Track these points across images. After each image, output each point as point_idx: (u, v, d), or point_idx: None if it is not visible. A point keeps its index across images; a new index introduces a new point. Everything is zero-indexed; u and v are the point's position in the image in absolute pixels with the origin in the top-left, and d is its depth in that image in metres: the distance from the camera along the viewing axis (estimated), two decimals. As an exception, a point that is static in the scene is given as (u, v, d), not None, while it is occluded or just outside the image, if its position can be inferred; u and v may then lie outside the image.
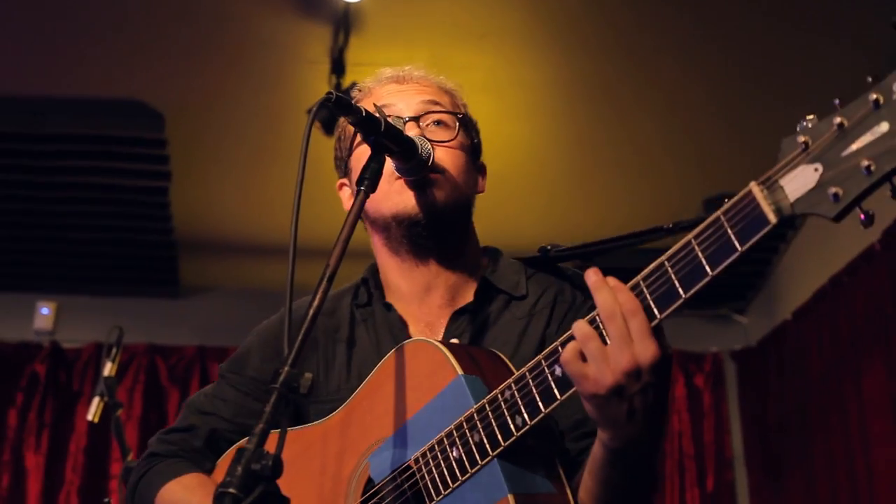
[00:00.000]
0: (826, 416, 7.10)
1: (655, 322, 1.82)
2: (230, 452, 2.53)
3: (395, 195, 2.44)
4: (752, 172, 5.84)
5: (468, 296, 2.46)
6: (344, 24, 6.01)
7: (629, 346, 1.82)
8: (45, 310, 8.48)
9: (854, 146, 1.58)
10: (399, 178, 2.42)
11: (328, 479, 2.37)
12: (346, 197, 2.64)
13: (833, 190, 1.58)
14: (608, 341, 1.84)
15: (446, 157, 2.46)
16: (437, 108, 2.53)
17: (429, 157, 2.37)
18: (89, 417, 4.30)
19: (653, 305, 1.82)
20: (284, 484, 2.28)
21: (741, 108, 6.68)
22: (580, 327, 1.87)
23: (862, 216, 1.59)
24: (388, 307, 2.50)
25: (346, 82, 6.13)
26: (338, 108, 2.21)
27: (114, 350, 4.40)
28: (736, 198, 1.72)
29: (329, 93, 2.21)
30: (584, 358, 1.86)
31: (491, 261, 2.56)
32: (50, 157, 7.07)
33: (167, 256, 8.33)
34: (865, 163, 1.56)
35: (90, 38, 6.19)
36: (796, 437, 7.61)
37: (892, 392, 6.09)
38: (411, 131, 2.43)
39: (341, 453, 2.37)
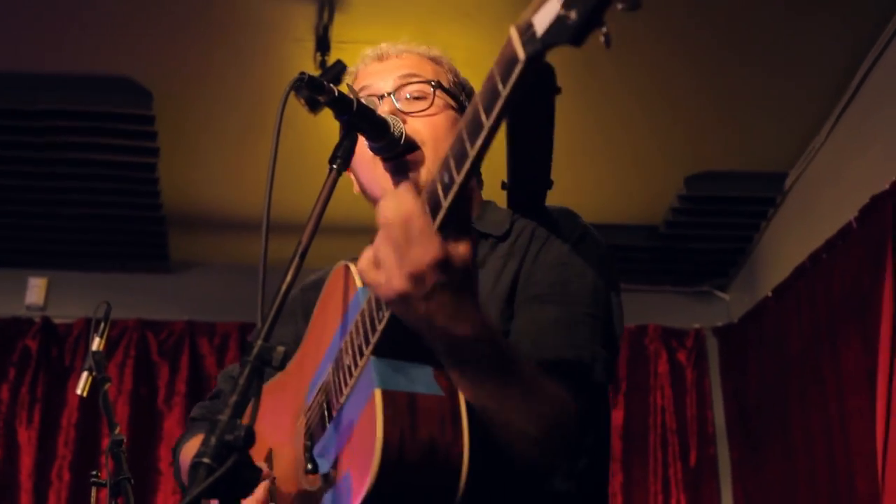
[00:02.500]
0: (805, 391, 7.17)
1: (441, 214, 1.78)
2: (192, 443, 2.68)
3: (377, 181, 2.52)
4: (736, 149, 5.92)
5: None
6: (329, 2, 6.03)
7: (411, 248, 1.77)
8: (36, 285, 8.52)
9: None
10: (377, 161, 2.49)
11: (287, 416, 2.47)
12: (354, 182, 2.71)
13: (569, 13, 1.51)
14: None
15: (423, 128, 2.50)
16: (413, 79, 2.57)
17: (401, 136, 2.42)
18: (78, 392, 4.31)
19: (454, 173, 1.77)
20: (260, 428, 2.40)
21: (724, 85, 6.71)
22: (378, 235, 1.84)
23: (602, 38, 1.52)
24: None
25: (331, 60, 6.15)
26: (310, 88, 2.29)
27: (102, 325, 4.41)
28: (503, 46, 1.67)
29: (301, 73, 2.28)
30: (378, 265, 1.84)
31: (482, 211, 2.59)
32: (39, 133, 7.10)
33: (156, 232, 8.37)
34: None
35: (79, 16, 6.21)
36: (776, 412, 7.67)
37: (869, 367, 6.13)
38: (386, 107, 2.49)
39: (295, 390, 2.46)
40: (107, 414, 4.16)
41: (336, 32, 6.15)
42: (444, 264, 1.78)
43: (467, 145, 1.73)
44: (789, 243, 7.66)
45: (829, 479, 6.80)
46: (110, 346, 5.97)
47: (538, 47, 1.58)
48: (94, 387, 4.27)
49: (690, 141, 7.21)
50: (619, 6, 1.49)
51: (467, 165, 1.73)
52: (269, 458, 2.54)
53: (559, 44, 1.55)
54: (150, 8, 6.15)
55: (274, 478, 2.37)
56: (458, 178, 1.75)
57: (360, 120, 2.33)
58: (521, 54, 1.59)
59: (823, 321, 6.95)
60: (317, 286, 2.75)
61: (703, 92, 6.71)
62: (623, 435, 8.41)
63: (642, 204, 7.99)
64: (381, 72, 2.62)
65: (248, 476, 1.75)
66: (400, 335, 1.96)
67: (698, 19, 6.14)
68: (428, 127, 2.51)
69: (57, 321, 8.49)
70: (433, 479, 1.94)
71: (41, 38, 6.44)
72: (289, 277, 2.01)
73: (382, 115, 2.42)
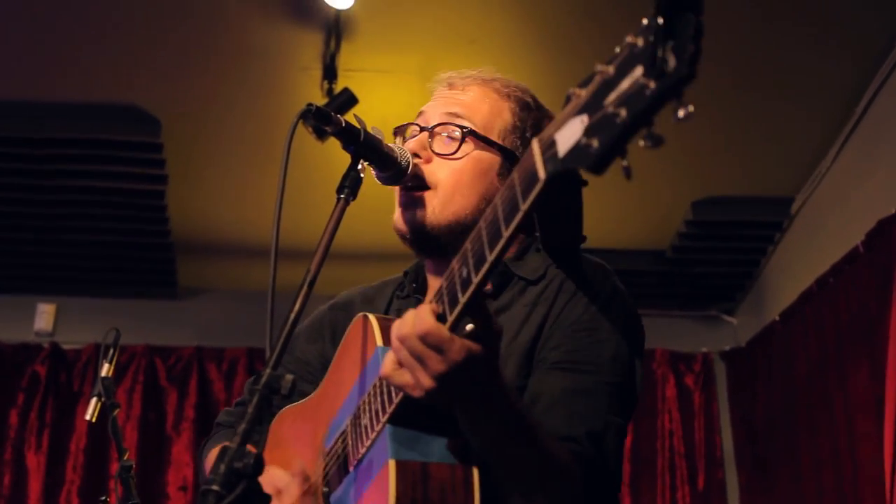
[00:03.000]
0: (813, 415, 7.15)
1: (450, 321, 1.86)
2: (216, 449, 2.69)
3: (395, 211, 2.55)
4: (743, 174, 5.93)
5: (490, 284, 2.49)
6: (335, 31, 6.07)
7: (430, 358, 1.87)
8: (45, 311, 8.54)
9: (613, 94, 1.51)
10: (397, 189, 2.52)
11: (310, 448, 2.51)
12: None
13: (591, 140, 1.52)
14: None
15: (441, 172, 2.50)
16: (450, 120, 2.55)
17: (407, 167, 2.44)
18: (87, 417, 4.32)
19: (472, 272, 1.83)
20: (281, 454, 2.42)
21: (731, 110, 6.72)
22: (394, 340, 1.92)
23: (624, 169, 1.53)
24: (419, 301, 2.55)
25: (338, 87, 6.19)
26: (318, 118, 2.31)
27: (111, 351, 4.41)
28: (525, 155, 1.70)
29: (309, 104, 2.30)
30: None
31: (519, 249, 2.57)
32: (47, 160, 7.13)
33: (165, 258, 8.38)
34: (616, 109, 1.49)
35: (87, 44, 6.26)
36: (784, 436, 7.65)
37: (877, 392, 6.12)
38: (414, 143, 2.52)
39: (319, 424, 2.50)
40: (116, 439, 4.17)
41: (343, 60, 6.18)
42: (464, 366, 1.86)
43: (486, 250, 1.79)
44: (796, 267, 7.65)
45: (837, 502, 6.78)
46: (119, 372, 5.98)
47: (558, 168, 1.60)
48: (103, 412, 4.28)
49: (697, 166, 7.22)
50: (641, 143, 1.49)
51: (484, 268, 1.79)
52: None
53: (579, 167, 1.57)
54: (158, 36, 6.19)
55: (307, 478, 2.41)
56: (475, 279, 1.81)
57: (366, 151, 2.35)
58: (542, 173, 1.63)
59: (831, 345, 6.95)
60: (346, 307, 2.79)
61: (709, 117, 6.71)
62: (631, 459, 8.40)
63: (649, 229, 8.00)
64: (437, 104, 2.62)
65: (257, 503, 1.76)
66: (415, 407, 2.01)
67: (705, 50, 6.15)
68: (445, 172, 2.51)
69: (65, 347, 8.50)
70: None
71: (49, 66, 6.49)
72: (297, 307, 2.04)
73: (391, 146, 2.43)
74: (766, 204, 7.70)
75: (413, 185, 2.48)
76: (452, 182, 2.50)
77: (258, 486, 1.76)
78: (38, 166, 7.19)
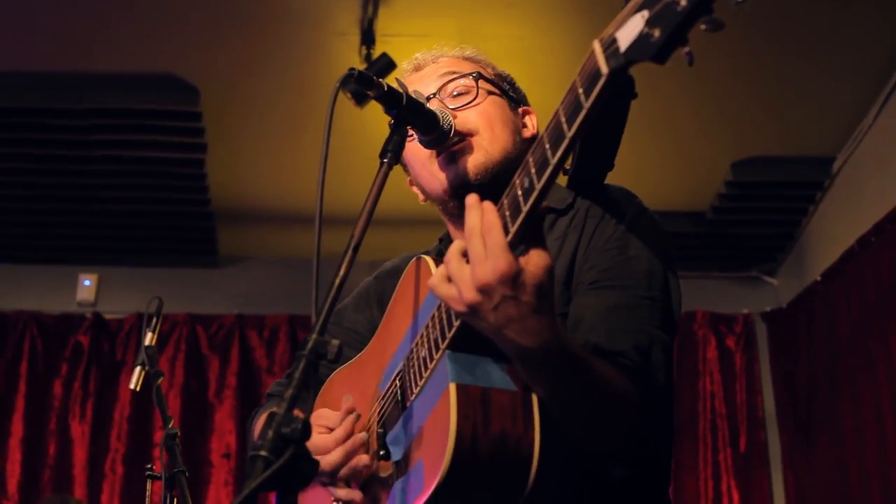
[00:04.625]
0: (854, 375, 7.14)
1: (512, 232, 1.87)
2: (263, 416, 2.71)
3: (433, 178, 2.54)
4: (783, 134, 5.88)
5: None
6: (373, -4, 6.08)
7: (482, 264, 1.86)
8: (87, 282, 8.62)
9: None
10: (433, 158, 2.52)
11: (364, 400, 2.51)
12: (418, 192, 2.71)
13: (653, 30, 1.56)
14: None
15: (472, 117, 2.51)
16: (454, 76, 2.58)
17: (450, 129, 2.43)
18: (131, 386, 4.34)
19: (535, 180, 1.84)
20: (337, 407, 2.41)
21: (770, 70, 6.68)
22: (449, 250, 1.93)
23: (686, 55, 1.58)
24: None
25: (376, 53, 6.17)
26: (360, 83, 2.30)
27: (154, 320, 4.43)
28: (586, 58, 1.72)
29: (351, 69, 2.30)
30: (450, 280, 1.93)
31: None
32: (87, 132, 7.17)
33: (205, 227, 8.43)
34: None
35: (124, 15, 6.27)
36: (826, 397, 7.63)
37: (920, 351, 6.12)
38: (434, 106, 2.49)
39: (371, 375, 2.51)
40: (160, 407, 4.19)
41: (380, 26, 6.17)
42: (513, 280, 1.86)
43: (549, 154, 1.80)
44: (837, 227, 7.61)
45: (879, 462, 6.77)
46: (161, 341, 6.01)
47: (621, 62, 1.63)
48: (147, 381, 4.30)
49: (737, 127, 7.17)
50: (703, 27, 1.53)
51: (548, 172, 1.81)
52: None
53: (642, 60, 1.60)
54: (195, 5, 6.19)
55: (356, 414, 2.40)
56: (539, 185, 1.83)
57: (409, 114, 2.35)
58: (605, 68, 1.66)
59: (872, 305, 6.91)
60: (392, 274, 2.80)
61: (748, 78, 6.67)
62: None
63: (689, 191, 7.97)
64: (422, 78, 2.64)
65: (306, 468, 1.76)
66: (476, 332, 2.00)
67: (742, 11, 6.10)
68: (475, 115, 2.52)
69: (108, 317, 8.57)
70: (504, 471, 2.00)
71: (87, 38, 6.50)
72: (342, 271, 2.03)
73: (431, 108, 2.42)
74: (806, 164, 7.66)
75: (455, 140, 2.48)
76: (486, 121, 2.52)
77: (306, 451, 1.76)
78: (78, 137, 7.23)
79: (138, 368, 4.33)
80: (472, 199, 1.94)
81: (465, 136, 2.49)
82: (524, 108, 2.68)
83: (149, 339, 4.39)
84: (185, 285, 8.59)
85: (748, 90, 6.82)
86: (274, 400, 2.82)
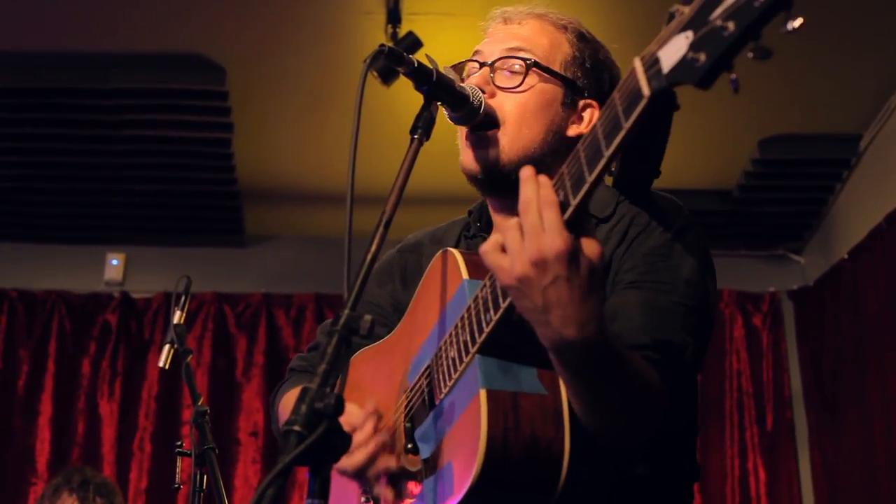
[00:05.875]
0: (882, 354, 7.10)
1: (570, 210, 1.83)
2: (290, 393, 2.72)
3: (461, 152, 2.55)
4: (809, 111, 5.85)
5: None
6: (399, -26, 6.08)
7: (538, 237, 1.82)
8: (115, 261, 8.66)
9: (720, 8, 1.54)
10: (464, 135, 2.52)
11: (388, 388, 2.53)
12: None
13: (698, 55, 1.54)
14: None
15: (507, 105, 2.49)
16: (517, 53, 2.53)
17: (480, 106, 2.43)
18: (160, 364, 4.36)
19: (570, 194, 1.82)
20: (365, 385, 2.42)
21: (796, 47, 6.64)
22: (504, 220, 1.93)
23: (731, 81, 1.56)
24: (485, 240, 2.56)
25: (402, 31, 6.17)
26: (390, 59, 2.31)
27: (182, 298, 4.45)
28: (626, 75, 1.70)
29: (381, 45, 2.30)
30: (504, 250, 1.89)
31: None
32: (114, 111, 7.19)
33: (232, 206, 8.45)
34: (725, 22, 1.52)
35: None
36: (853, 376, 7.61)
37: (948, 329, 6.09)
38: (477, 78, 2.51)
39: (398, 362, 2.53)
40: (189, 385, 4.21)
41: (406, 4, 6.16)
42: (570, 258, 1.83)
43: (585, 171, 1.79)
44: (864, 205, 7.58)
45: (906, 441, 6.76)
46: (188, 320, 6.02)
47: (663, 84, 1.61)
48: (176, 359, 4.32)
49: (763, 105, 7.13)
50: (750, 54, 1.52)
51: (584, 189, 1.80)
52: None
53: (685, 83, 1.57)
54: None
55: (379, 415, 2.40)
56: (574, 201, 1.82)
57: (439, 90, 2.35)
58: (646, 90, 1.64)
59: (900, 283, 6.89)
60: (414, 248, 2.82)
61: (775, 56, 6.59)
62: (699, 399, 8.38)
63: (716, 168, 7.95)
64: (495, 40, 2.60)
65: (339, 443, 1.77)
66: (505, 337, 2.02)
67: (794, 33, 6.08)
68: (512, 105, 2.50)
69: (135, 296, 8.61)
70: (535, 474, 2.03)
71: (114, 17, 6.52)
72: (373, 247, 2.06)
73: (462, 86, 2.43)
74: (833, 141, 7.63)
75: (482, 122, 2.47)
76: (518, 115, 2.49)
77: (339, 426, 1.77)
78: (105, 117, 7.25)
79: (167, 346, 4.36)
80: (527, 172, 1.90)
81: (490, 123, 2.48)
82: (586, 101, 2.58)
83: (177, 317, 4.42)
84: (212, 264, 8.62)
85: (775, 68, 6.77)
86: (297, 375, 2.84)
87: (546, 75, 2.53)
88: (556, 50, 2.57)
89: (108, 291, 8.62)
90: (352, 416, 2.33)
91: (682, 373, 2.24)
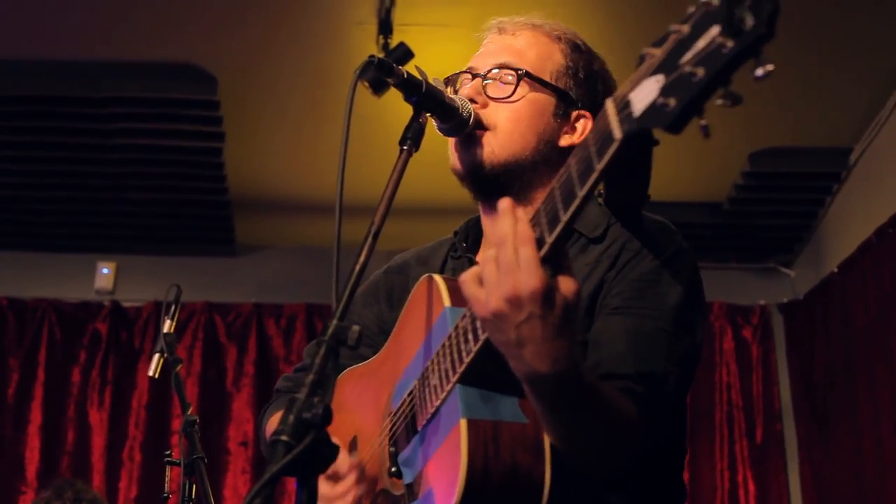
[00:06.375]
0: (871, 367, 7.11)
1: (545, 248, 1.83)
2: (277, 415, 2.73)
3: (451, 155, 2.55)
4: (800, 125, 5.86)
5: None
6: (390, -15, 6.09)
7: (513, 275, 1.82)
8: (106, 270, 8.65)
9: (689, 53, 1.53)
10: (453, 143, 2.53)
11: (373, 410, 2.52)
12: None
13: (668, 100, 1.53)
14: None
15: (499, 115, 2.50)
16: (504, 65, 2.55)
17: (469, 117, 2.44)
18: (150, 373, 4.35)
19: (545, 231, 1.83)
20: (349, 409, 2.41)
21: (787, 60, 6.62)
22: (484, 254, 1.89)
23: (702, 127, 1.55)
24: (471, 262, 2.56)
25: (394, 42, 6.18)
26: (380, 70, 2.33)
27: (173, 308, 4.45)
28: (599, 115, 1.70)
29: (371, 56, 2.32)
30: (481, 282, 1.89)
31: None
32: (105, 120, 7.18)
33: (223, 216, 8.44)
34: (694, 68, 1.51)
35: (143, 4, 6.30)
36: (843, 389, 7.62)
37: (937, 343, 6.10)
38: (469, 89, 2.53)
39: (382, 385, 2.52)
40: (179, 394, 4.21)
41: (398, 15, 6.17)
42: (544, 297, 1.83)
43: (560, 210, 1.80)
44: (854, 218, 7.60)
45: (896, 454, 6.77)
46: (178, 330, 6.00)
47: (633, 128, 1.62)
48: (166, 368, 4.32)
49: (754, 117, 7.15)
50: (719, 101, 1.51)
51: (559, 228, 1.81)
52: (353, 444, 2.59)
53: (655, 128, 1.58)
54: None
55: (363, 467, 2.41)
56: (550, 239, 1.82)
57: (428, 101, 2.36)
58: (618, 133, 1.64)
59: (890, 296, 6.89)
60: (400, 270, 2.81)
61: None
62: (689, 412, 8.38)
63: (706, 181, 7.96)
64: (487, 52, 2.62)
65: (326, 453, 1.78)
66: (486, 367, 2.02)
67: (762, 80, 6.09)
68: (502, 114, 2.51)
69: (126, 305, 8.61)
70: (516, 501, 2.03)
71: (105, 26, 6.53)
72: (362, 258, 2.06)
73: (451, 97, 2.44)
74: (823, 154, 7.64)
75: (472, 127, 2.48)
76: (511, 123, 2.50)
77: (326, 436, 1.77)
78: (95, 126, 7.25)
79: (157, 355, 4.36)
80: (505, 204, 1.90)
81: (487, 127, 2.49)
82: (579, 111, 2.58)
83: (167, 326, 4.41)
84: (203, 274, 8.62)
85: (765, 82, 6.78)
86: (283, 396, 2.82)
87: (538, 85, 2.55)
88: (548, 60, 2.59)
89: (98, 300, 8.61)
90: (337, 463, 2.34)
91: (664, 403, 2.22)
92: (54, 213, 8.35)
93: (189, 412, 4.11)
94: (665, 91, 1.54)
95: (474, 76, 2.56)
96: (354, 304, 2.72)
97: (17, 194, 8.09)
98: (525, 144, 2.50)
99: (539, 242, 1.84)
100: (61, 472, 7.97)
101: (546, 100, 2.55)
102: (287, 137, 7.58)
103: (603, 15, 6.25)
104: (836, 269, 7.80)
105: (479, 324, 1.98)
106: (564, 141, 2.55)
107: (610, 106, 1.67)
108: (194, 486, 3.98)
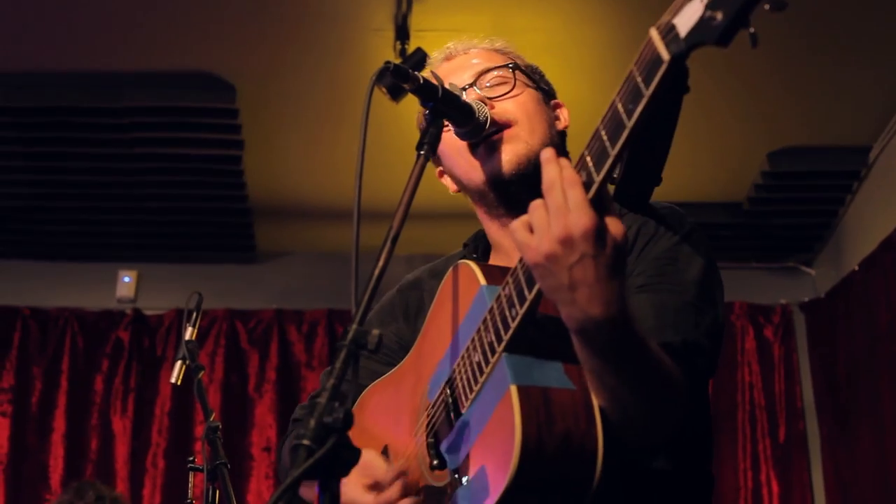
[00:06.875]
0: (894, 364, 7.09)
1: (594, 188, 1.84)
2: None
3: (471, 168, 2.55)
4: (819, 123, 5.83)
5: None
6: (407, -9, 6.10)
7: (564, 216, 1.83)
8: (127, 278, 8.68)
9: None
10: (469, 149, 2.53)
11: (409, 410, 2.50)
12: (449, 183, 2.73)
13: (715, 13, 1.56)
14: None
15: (512, 107, 2.53)
16: (490, 66, 2.59)
17: (486, 120, 2.45)
18: (172, 380, 4.34)
19: (593, 172, 1.84)
20: (374, 424, 2.40)
21: (805, 60, 6.65)
22: (533, 202, 1.90)
23: (750, 35, 1.58)
24: None
25: (411, 48, 6.19)
26: (396, 76, 2.33)
27: (194, 315, 4.45)
28: (644, 45, 1.73)
29: (387, 62, 2.33)
30: (531, 229, 1.89)
31: None
32: (125, 130, 7.21)
33: (243, 223, 8.47)
34: None
35: (162, 14, 6.32)
36: (866, 387, 7.59)
37: (960, 339, 6.08)
38: (470, 97, 2.52)
39: (415, 385, 2.50)
40: (201, 401, 4.21)
41: (415, 21, 6.19)
42: (596, 236, 1.84)
43: (608, 146, 1.80)
44: (875, 216, 7.57)
45: (920, 452, 6.75)
46: (200, 337, 6.00)
47: (682, 48, 1.64)
48: (188, 375, 4.32)
49: (773, 116, 7.14)
50: (766, 6, 1.54)
51: (608, 164, 1.81)
52: (384, 454, 2.55)
53: (704, 44, 1.60)
54: (231, 3, 6.23)
55: (405, 473, 2.37)
56: (598, 178, 1.83)
57: (445, 106, 2.37)
58: (665, 55, 1.66)
59: (912, 294, 6.88)
60: (414, 286, 2.82)
61: (784, 68, 6.64)
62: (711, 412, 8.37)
63: (726, 181, 7.94)
64: (455, 69, 2.64)
65: (348, 457, 1.78)
66: (530, 333, 2.02)
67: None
68: (515, 105, 2.54)
69: (147, 313, 8.64)
70: (570, 469, 2.00)
71: (124, 37, 6.56)
72: (381, 262, 2.06)
73: (467, 100, 2.45)
74: (843, 153, 7.62)
75: (492, 131, 2.48)
76: (526, 113, 2.54)
77: (348, 440, 1.77)
78: (116, 135, 7.28)
79: (179, 363, 4.35)
80: (548, 153, 1.92)
81: (502, 127, 2.49)
82: (555, 101, 2.69)
83: (189, 333, 4.41)
84: (224, 281, 8.64)
85: (784, 80, 6.80)
86: (296, 425, 2.80)
87: (526, 78, 2.62)
88: (518, 62, 2.66)
89: (120, 308, 8.65)
90: (374, 468, 2.33)
91: (698, 372, 2.23)
92: (76, 222, 8.39)
93: (212, 418, 4.12)
94: (711, 5, 1.57)
95: (467, 87, 2.57)
96: (370, 324, 2.73)
97: (38, 205, 8.14)
98: (544, 130, 2.55)
99: (587, 185, 1.85)
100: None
101: (535, 91, 2.63)
102: (306, 144, 7.60)
103: (623, 13, 6.24)
104: (857, 267, 7.78)
105: (524, 286, 1.98)
106: (559, 125, 2.65)
107: (654, 33, 1.69)
108: (218, 492, 3.98)
